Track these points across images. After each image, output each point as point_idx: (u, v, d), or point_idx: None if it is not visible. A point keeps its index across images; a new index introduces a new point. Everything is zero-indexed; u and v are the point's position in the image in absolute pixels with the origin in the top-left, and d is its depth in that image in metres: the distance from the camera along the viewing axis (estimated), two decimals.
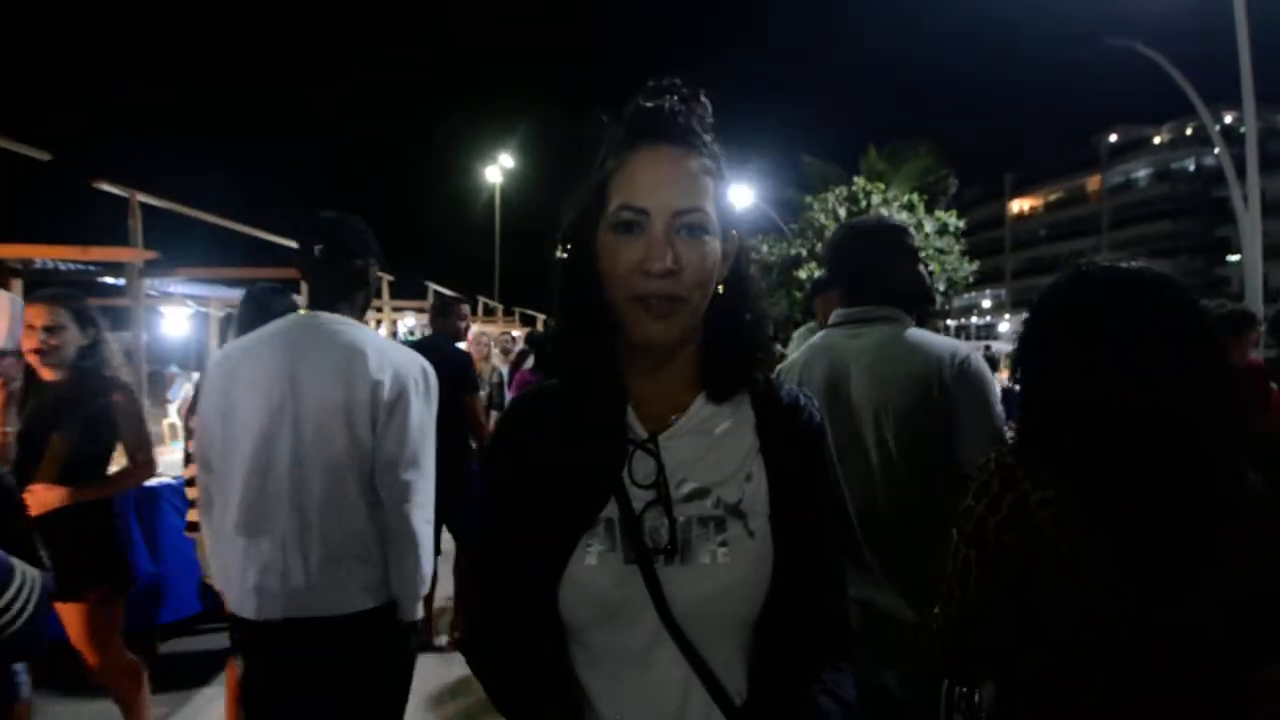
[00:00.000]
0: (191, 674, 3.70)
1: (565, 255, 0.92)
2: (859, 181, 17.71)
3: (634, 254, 0.83)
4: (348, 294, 1.92)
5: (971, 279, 18.17)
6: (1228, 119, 27.85)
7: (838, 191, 17.64)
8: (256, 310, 2.71)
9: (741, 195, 20.84)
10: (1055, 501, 1.05)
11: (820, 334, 2.00)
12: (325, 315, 1.87)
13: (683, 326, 0.86)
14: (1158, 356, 1.03)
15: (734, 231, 0.91)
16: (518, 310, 18.48)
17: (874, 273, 1.89)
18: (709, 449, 0.90)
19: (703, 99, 0.89)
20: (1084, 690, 1.05)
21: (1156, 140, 53.54)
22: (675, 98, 0.88)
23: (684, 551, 0.85)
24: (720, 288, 0.90)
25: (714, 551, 0.85)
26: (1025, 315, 1.22)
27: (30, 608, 1.07)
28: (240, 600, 1.79)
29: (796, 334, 3.86)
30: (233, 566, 1.79)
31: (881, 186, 17.69)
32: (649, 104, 0.87)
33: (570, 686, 0.88)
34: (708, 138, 0.88)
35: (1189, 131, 48.58)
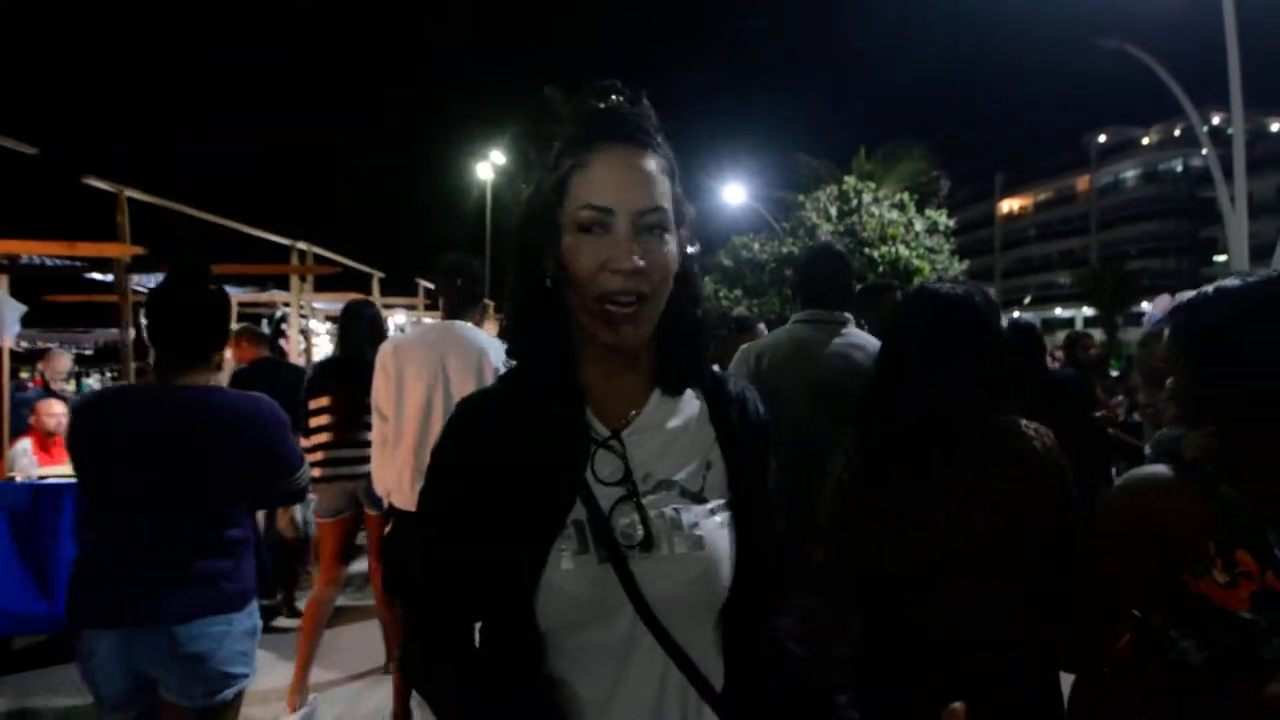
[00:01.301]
0: None
1: (519, 253, 0.91)
2: (849, 180, 17.75)
3: (600, 253, 0.84)
4: (472, 306, 2.91)
5: (961, 278, 18.24)
6: (1215, 121, 28.08)
7: (829, 190, 17.68)
8: (354, 318, 3.66)
9: (734, 193, 20.93)
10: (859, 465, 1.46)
11: (789, 326, 2.45)
12: (458, 323, 2.82)
13: (649, 325, 0.87)
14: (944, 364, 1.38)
15: (683, 230, 0.92)
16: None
17: (841, 284, 2.48)
18: (670, 442, 0.91)
19: (645, 101, 0.90)
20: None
21: (1145, 141, 53.86)
22: (622, 99, 0.89)
23: (656, 544, 0.86)
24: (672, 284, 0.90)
25: (683, 540, 0.86)
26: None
27: (307, 476, 2.13)
28: (409, 500, 2.69)
29: None
30: (406, 479, 2.71)
31: (872, 186, 17.74)
32: (601, 104, 0.87)
33: (534, 699, 0.86)
34: (659, 138, 0.89)
35: (1177, 133, 48.90)
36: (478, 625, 0.93)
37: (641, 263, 0.83)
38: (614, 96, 0.88)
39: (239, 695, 1.95)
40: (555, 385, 0.90)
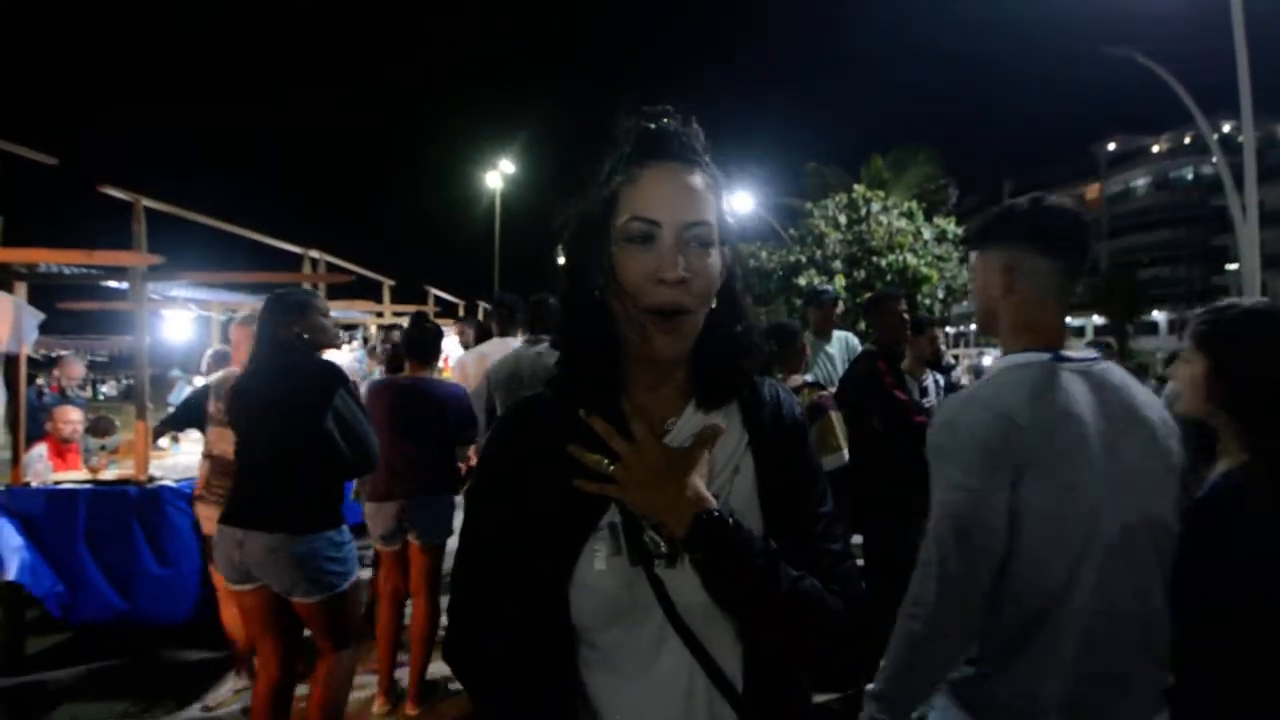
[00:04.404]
0: (190, 676, 3.72)
1: (568, 265, 0.94)
2: (859, 189, 17.73)
3: (646, 264, 0.86)
4: (513, 325, 4.20)
5: (969, 286, 18.18)
6: (1226, 128, 27.95)
7: (838, 199, 17.67)
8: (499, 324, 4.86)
9: (742, 202, 20.99)
10: None
11: None
12: (503, 338, 4.19)
13: (688, 339, 0.90)
14: None
15: (726, 246, 0.94)
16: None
17: None
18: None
19: (694, 124, 0.93)
20: None
21: (1155, 149, 53.64)
22: (671, 121, 0.92)
23: (679, 558, 0.88)
24: (714, 300, 0.92)
25: None
26: None
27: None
28: None
29: None
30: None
31: (881, 194, 17.71)
32: (653, 124, 0.91)
33: (566, 691, 0.89)
34: (706, 157, 0.92)
35: (1187, 141, 48.73)
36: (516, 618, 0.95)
37: (686, 274, 0.85)
38: (665, 119, 0.92)
39: None
40: (597, 391, 0.92)
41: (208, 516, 3.24)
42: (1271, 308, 1.47)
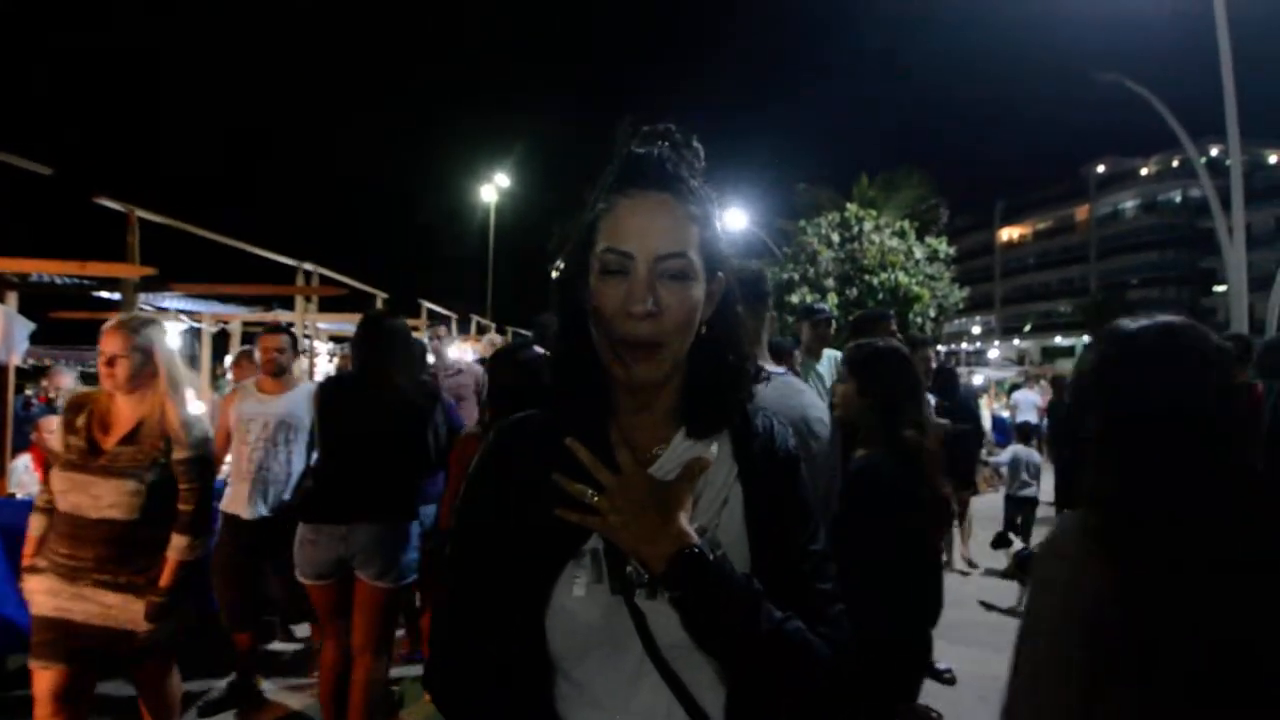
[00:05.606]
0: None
1: (559, 288, 0.94)
2: (851, 208, 17.87)
3: (617, 297, 0.85)
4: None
5: (961, 305, 18.31)
6: (1214, 152, 28.31)
7: (830, 217, 17.80)
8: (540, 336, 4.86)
9: (734, 219, 21.11)
10: None
11: None
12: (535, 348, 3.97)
13: (664, 368, 0.88)
14: None
15: (720, 274, 0.92)
16: (509, 329, 18.43)
17: None
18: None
19: (695, 144, 0.92)
20: None
21: (1144, 172, 54.25)
22: (666, 144, 0.91)
23: (659, 592, 0.85)
24: (704, 328, 0.91)
25: None
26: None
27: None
28: None
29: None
30: None
31: (874, 213, 17.87)
32: (639, 150, 0.90)
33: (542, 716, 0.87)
34: (695, 183, 0.90)
35: (1176, 164, 49.27)
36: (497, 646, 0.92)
37: (655, 307, 0.84)
38: (661, 141, 0.91)
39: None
40: (584, 415, 0.91)
41: (44, 590, 2.37)
42: (893, 347, 2.20)
